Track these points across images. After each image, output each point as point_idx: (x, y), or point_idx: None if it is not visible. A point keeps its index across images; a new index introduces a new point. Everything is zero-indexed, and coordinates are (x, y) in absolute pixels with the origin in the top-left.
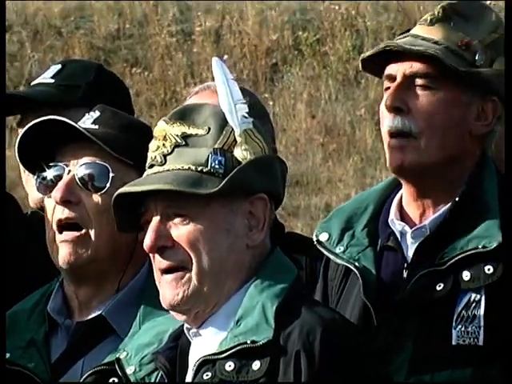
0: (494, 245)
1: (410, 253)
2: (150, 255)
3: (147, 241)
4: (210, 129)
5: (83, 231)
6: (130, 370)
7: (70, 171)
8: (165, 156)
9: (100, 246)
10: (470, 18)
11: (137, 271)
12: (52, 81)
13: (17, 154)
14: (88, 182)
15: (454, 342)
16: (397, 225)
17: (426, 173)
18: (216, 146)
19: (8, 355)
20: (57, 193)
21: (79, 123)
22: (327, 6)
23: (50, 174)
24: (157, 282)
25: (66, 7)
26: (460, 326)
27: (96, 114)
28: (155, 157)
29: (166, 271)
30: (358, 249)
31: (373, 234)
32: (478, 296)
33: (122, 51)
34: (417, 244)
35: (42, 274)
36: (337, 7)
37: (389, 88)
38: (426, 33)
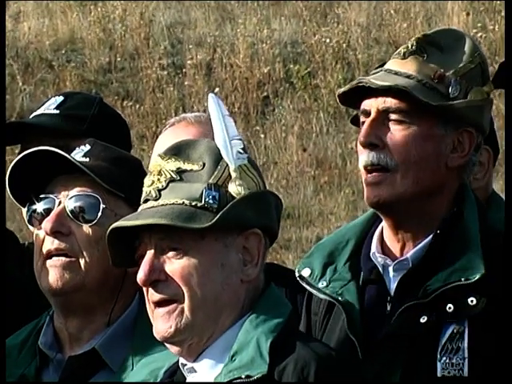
0: (477, 277)
1: (392, 286)
2: (144, 288)
3: (140, 274)
4: (204, 164)
5: (73, 258)
6: None
7: (60, 202)
8: (159, 191)
9: (89, 275)
10: (445, 49)
11: (128, 303)
12: (57, 111)
13: (7, 186)
14: (79, 213)
15: (439, 374)
16: (378, 258)
17: (402, 206)
18: (210, 181)
19: None
20: (47, 224)
21: (70, 156)
22: (318, 39)
23: (40, 206)
24: (149, 315)
25: (57, 40)
26: (445, 358)
27: (87, 147)
28: (150, 191)
29: (158, 304)
30: (341, 283)
31: (355, 268)
32: (462, 327)
33: (114, 84)
34: (399, 277)
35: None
36: (328, 40)
37: (363, 123)
38: (399, 67)
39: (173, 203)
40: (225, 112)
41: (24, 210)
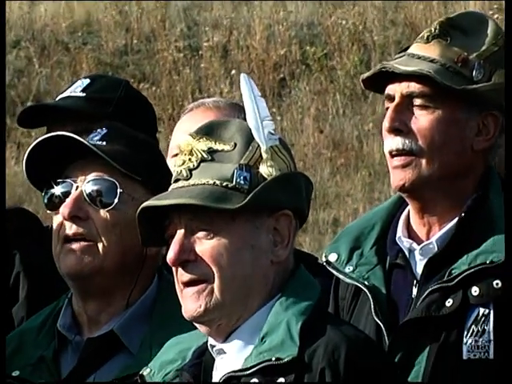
0: (502, 259)
1: (418, 270)
2: (173, 269)
3: (170, 254)
4: (236, 144)
5: (91, 242)
6: None
7: (77, 187)
8: (190, 170)
9: (107, 258)
10: (468, 32)
11: (146, 286)
12: (83, 94)
13: (24, 171)
14: (96, 197)
15: (464, 357)
16: (404, 242)
17: (428, 190)
18: (242, 162)
19: (18, 373)
20: (65, 209)
21: (87, 139)
22: (334, 20)
23: (57, 190)
24: (178, 295)
25: (74, 22)
26: (470, 341)
27: (103, 130)
28: (181, 171)
29: (187, 284)
30: (367, 268)
31: (381, 252)
32: (487, 310)
33: (130, 67)
34: (425, 261)
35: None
36: (344, 22)
37: (388, 108)
38: (422, 51)
39: (204, 183)
40: (257, 93)
41: (42, 194)
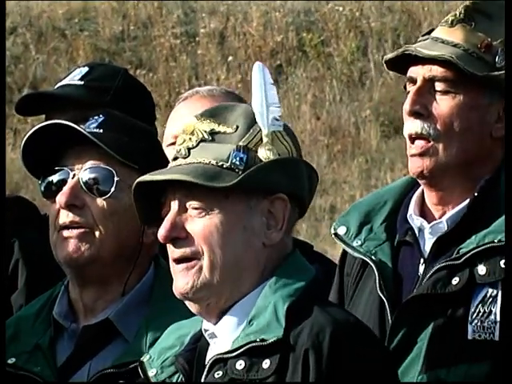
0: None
1: (426, 248)
2: (167, 246)
3: (161, 230)
4: (238, 127)
5: (88, 230)
6: (151, 373)
7: (74, 175)
8: (189, 149)
9: (104, 246)
10: (493, 17)
11: (142, 274)
12: (81, 82)
13: (21, 158)
14: (93, 186)
15: (469, 337)
16: (415, 220)
17: (446, 177)
18: (240, 144)
19: (14, 360)
20: (61, 197)
21: (84, 127)
22: (331, 7)
23: (54, 178)
24: (172, 273)
25: (71, 9)
26: (476, 321)
27: (100, 118)
28: (180, 149)
29: (178, 261)
30: (376, 243)
31: (391, 229)
32: (495, 291)
33: (127, 53)
34: (434, 239)
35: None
36: (341, 8)
37: (410, 91)
38: (446, 35)
39: (199, 162)
40: (269, 80)
41: (38, 182)
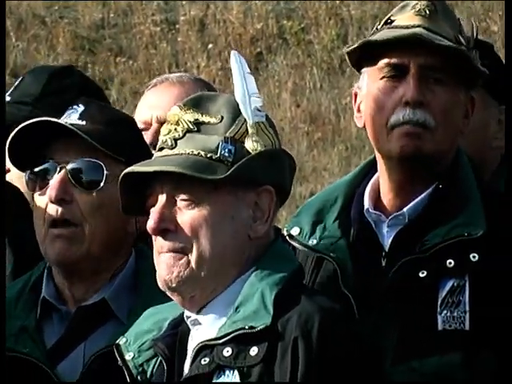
0: (480, 232)
1: (386, 242)
2: (153, 237)
3: (151, 223)
4: (222, 118)
5: (77, 228)
6: (128, 356)
7: (61, 168)
8: (176, 140)
9: (94, 242)
10: (442, 11)
11: (127, 259)
12: (8, 99)
13: (7, 153)
14: (82, 179)
15: (440, 328)
16: (372, 215)
17: (424, 163)
18: (227, 135)
19: None
20: (51, 191)
21: (64, 117)
22: None
23: (38, 170)
24: (155, 262)
25: None
26: (445, 312)
27: (80, 107)
28: (166, 140)
29: (164, 252)
30: (331, 240)
31: (345, 225)
32: (462, 281)
33: (107, 40)
34: (394, 232)
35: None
36: None
37: (392, 77)
38: (430, 25)
39: (188, 153)
40: (246, 69)
41: (24, 176)
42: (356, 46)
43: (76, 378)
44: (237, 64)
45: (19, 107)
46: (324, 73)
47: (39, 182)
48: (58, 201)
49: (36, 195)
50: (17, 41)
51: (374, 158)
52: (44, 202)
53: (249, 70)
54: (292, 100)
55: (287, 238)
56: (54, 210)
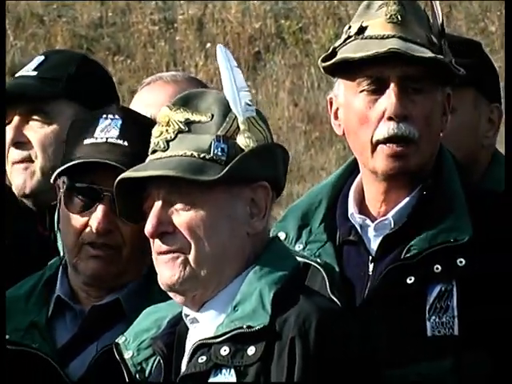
0: (466, 238)
1: (373, 246)
2: (150, 240)
3: (148, 226)
4: (213, 116)
5: (116, 251)
6: (127, 355)
7: (104, 196)
8: (168, 142)
9: (130, 263)
10: (412, 12)
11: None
12: (34, 73)
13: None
14: None
15: (429, 334)
16: (357, 218)
17: (409, 175)
18: (219, 133)
19: (7, 336)
20: (98, 224)
21: (103, 131)
22: None
23: (84, 195)
24: (155, 264)
25: None
26: (434, 317)
27: (118, 120)
28: (158, 142)
29: (163, 253)
30: (318, 245)
31: (330, 228)
32: (450, 286)
33: (105, 39)
34: (381, 237)
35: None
36: None
37: (374, 90)
38: (403, 33)
39: (181, 155)
40: (233, 63)
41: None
42: (333, 61)
43: None
44: (223, 58)
45: (52, 83)
46: (321, 72)
47: (83, 205)
48: (104, 232)
49: (74, 215)
50: (15, 39)
51: (355, 159)
52: (81, 221)
53: (236, 64)
54: (290, 99)
55: None
56: (94, 235)
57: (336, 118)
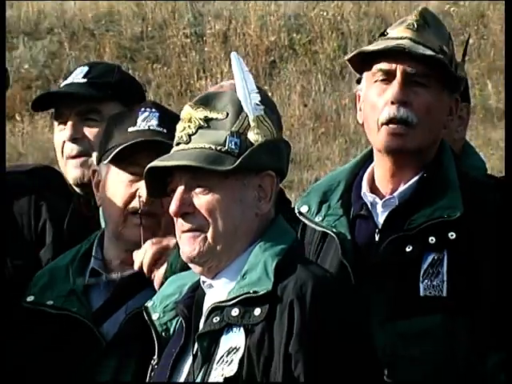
0: (458, 214)
1: (380, 220)
2: (174, 219)
3: (173, 207)
4: (228, 114)
5: (156, 219)
6: (155, 316)
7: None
8: (189, 136)
9: (164, 233)
10: (433, 26)
11: None
12: (84, 80)
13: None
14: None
15: (421, 294)
16: (368, 197)
17: (408, 155)
18: (233, 129)
19: (51, 302)
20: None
21: (144, 120)
22: (317, 12)
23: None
24: (178, 240)
25: (98, 13)
26: (426, 281)
27: (155, 112)
28: (181, 136)
29: (185, 231)
30: (334, 218)
31: (346, 205)
32: (441, 256)
33: (145, 50)
34: (387, 212)
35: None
36: (325, 13)
37: (383, 80)
38: (417, 37)
39: (201, 147)
40: (245, 68)
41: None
42: (353, 54)
43: None
44: (237, 63)
45: (102, 88)
46: (327, 78)
47: (126, 175)
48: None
49: (121, 185)
50: (70, 50)
51: (371, 150)
52: (129, 193)
53: (247, 69)
54: (300, 101)
55: (297, 214)
56: (141, 204)
57: (360, 109)
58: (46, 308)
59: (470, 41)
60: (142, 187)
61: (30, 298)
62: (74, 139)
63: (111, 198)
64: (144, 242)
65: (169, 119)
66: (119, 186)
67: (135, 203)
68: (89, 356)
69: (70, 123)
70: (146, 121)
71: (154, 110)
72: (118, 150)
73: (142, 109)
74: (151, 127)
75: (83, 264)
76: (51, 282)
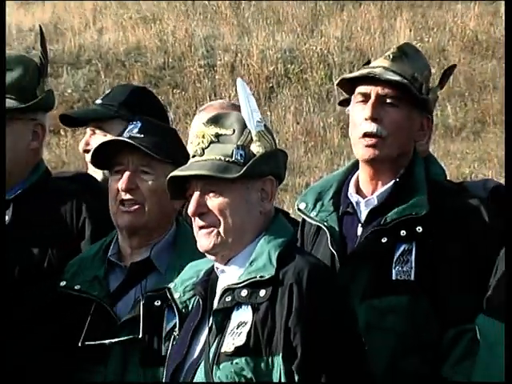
0: (423, 212)
1: (362, 216)
2: (192, 218)
3: (191, 208)
4: (234, 130)
5: (140, 206)
6: (177, 295)
7: (128, 166)
8: (203, 149)
9: (151, 216)
10: (411, 58)
11: (169, 228)
12: (100, 101)
13: (91, 159)
14: (143, 173)
15: (393, 278)
16: (354, 197)
17: (384, 163)
18: (239, 143)
19: (79, 287)
20: (122, 184)
21: (128, 131)
22: (308, 47)
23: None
24: (195, 235)
25: (128, 47)
26: (398, 267)
27: (138, 123)
28: (196, 150)
29: (201, 228)
30: (326, 214)
31: (336, 203)
32: (410, 246)
33: (167, 78)
34: (368, 210)
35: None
36: (314, 47)
37: (362, 101)
38: (391, 66)
39: (212, 159)
40: (248, 91)
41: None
42: (338, 80)
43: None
44: (241, 88)
45: (108, 107)
46: (316, 101)
47: (115, 175)
48: (127, 189)
49: (112, 183)
50: (105, 77)
51: (357, 160)
52: (116, 187)
53: (250, 93)
54: (293, 119)
55: (297, 210)
56: (123, 193)
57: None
58: (74, 292)
59: (432, 70)
60: (121, 180)
61: (63, 283)
62: (87, 150)
63: (110, 198)
64: (134, 227)
65: (150, 127)
66: (111, 185)
67: (120, 193)
68: (106, 332)
69: (86, 136)
70: (129, 132)
71: (138, 121)
72: (95, 148)
73: (131, 122)
74: (131, 135)
75: (105, 254)
76: (80, 269)
